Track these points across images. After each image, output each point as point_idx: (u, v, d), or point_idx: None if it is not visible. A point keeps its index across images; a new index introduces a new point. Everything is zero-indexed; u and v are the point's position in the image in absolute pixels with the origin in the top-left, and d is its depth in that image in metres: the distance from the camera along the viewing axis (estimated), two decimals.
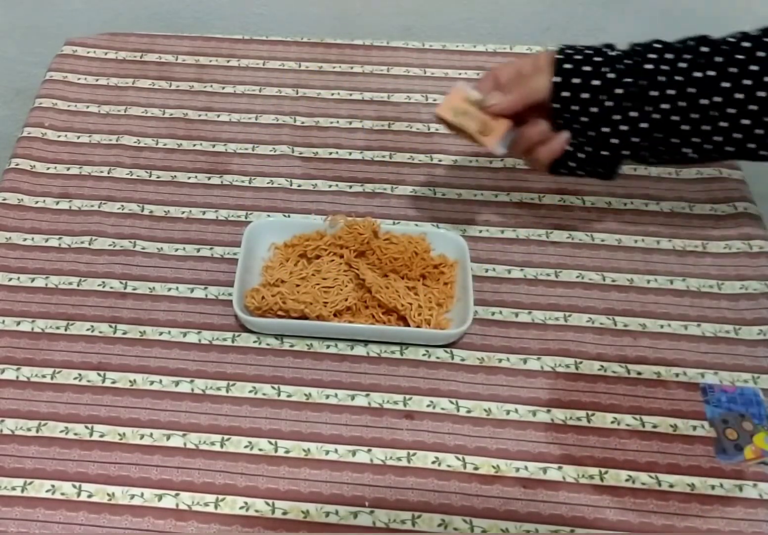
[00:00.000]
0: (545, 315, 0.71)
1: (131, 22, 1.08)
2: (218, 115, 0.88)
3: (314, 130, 0.87)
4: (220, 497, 0.59)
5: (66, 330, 0.69)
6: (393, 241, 0.72)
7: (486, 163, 0.84)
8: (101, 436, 0.62)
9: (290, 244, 0.73)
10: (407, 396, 0.65)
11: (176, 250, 0.75)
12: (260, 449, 0.62)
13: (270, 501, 0.59)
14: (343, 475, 0.61)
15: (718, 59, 0.61)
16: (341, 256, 0.71)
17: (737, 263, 0.75)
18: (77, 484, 0.60)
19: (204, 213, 0.78)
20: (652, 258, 0.76)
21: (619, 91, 0.63)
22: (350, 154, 0.85)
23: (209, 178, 0.82)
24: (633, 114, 0.63)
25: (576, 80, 0.63)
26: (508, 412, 0.64)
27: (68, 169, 0.82)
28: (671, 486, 0.61)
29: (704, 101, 0.61)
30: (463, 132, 0.67)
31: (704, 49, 0.62)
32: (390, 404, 0.65)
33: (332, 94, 0.91)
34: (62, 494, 0.59)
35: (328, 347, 0.68)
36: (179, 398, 0.65)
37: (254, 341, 0.68)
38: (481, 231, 0.78)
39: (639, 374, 0.67)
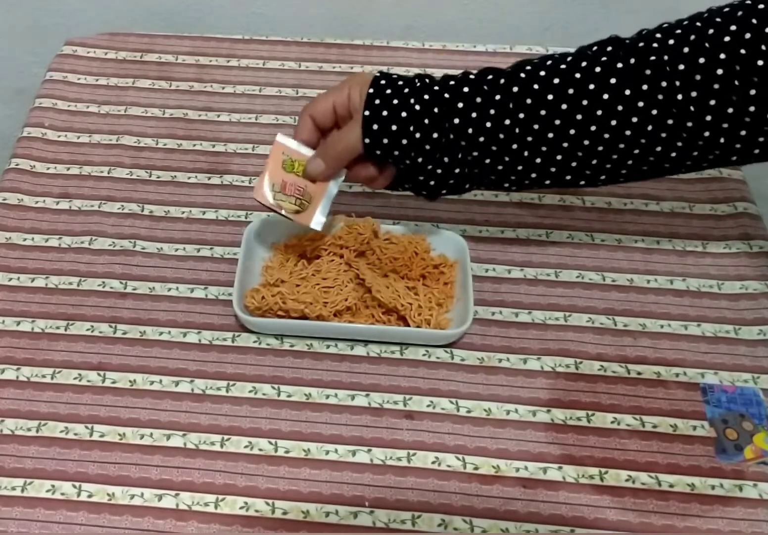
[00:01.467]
0: (545, 315, 0.71)
1: (131, 22, 1.08)
2: (218, 115, 0.88)
3: None
4: (220, 497, 0.59)
5: (66, 330, 0.69)
6: (393, 241, 0.72)
7: None
8: (101, 436, 0.62)
9: (290, 245, 0.73)
10: (407, 396, 0.65)
11: (176, 250, 0.75)
12: (260, 449, 0.62)
13: (270, 501, 0.59)
14: (343, 475, 0.61)
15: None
16: (341, 256, 0.71)
17: (737, 263, 0.75)
18: (77, 484, 0.60)
19: (204, 213, 0.78)
20: (652, 258, 0.76)
21: (426, 136, 0.62)
22: None
23: (209, 178, 0.82)
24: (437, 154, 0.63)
25: (383, 118, 0.62)
26: (508, 412, 0.64)
27: (68, 169, 0.82)
28: (671, 486, 0.61)
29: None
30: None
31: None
32: (390, 404, 0.65)
33: None
34: (62, 494, 0.59)
35: (328, 347, 0.68)
36: (179, 398, 0.65)
37: (254, 341, 0.68)
38: (481, 231, 0.78)
39: (639, 374, 0.67)
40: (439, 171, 0.64)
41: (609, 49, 0.61)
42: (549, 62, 0.62)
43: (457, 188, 0.66)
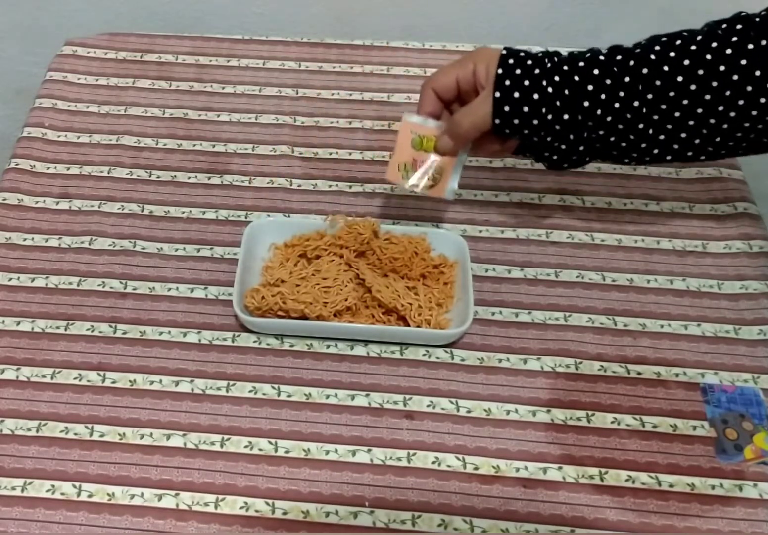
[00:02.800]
0: (545, 315, 0.71)
1: (131, 22, 1.08)
2: (218, 115, 0.88)
3: (314, 130, 0.87)
4: (220, 497, 0.59)
5: (66, 330, 0.69)
6: (393, 241, 0.72)
7: (486, 163, 0.84)
8: (101, 436, 0.62)
9: (290, 244, 0.73)
10: (407, 396, 0.65)
11: (176, 250, 0.75)
12: (260, 449, 0.62)
13: (270, 501, 0.59)
14: (343, 475, 0.61)
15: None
16: (341, 256, 0.71)
17: (737, 263, 0.75)
18: (77, 484, 0.60)
19: (204, 213, 0.78)
20: (652, 258, 0.76)
21: (558, 104, 0.63)
22: (350, 154, 0.85)
23: (209, 178, 0.82)
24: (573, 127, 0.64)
25: (516, 94, 0.62)
26: (508, 412, 0.64)
27: (68, 169, 0.82)
28: (671, 486, 0.61)
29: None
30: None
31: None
32: (390, 404, 0.65)
33: (332, 94, 0.91)
34: (62, 494, 0.59)
35: (328, 347, 0.68)
36: (179, 398, 0.65)
37: (254, 341, 0.68)
38: (481, 231, 0.78)
39: (639, 374, 0.67)
40: (563, 147, 0.65)
41: (739, 27, 0.61)
42: (679, 42, 0.63)
43: (579, 162, 0.67)
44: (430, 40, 0.98)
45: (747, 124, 0.62)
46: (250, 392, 0.65)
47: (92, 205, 0.78)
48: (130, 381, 0.65)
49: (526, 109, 0.62)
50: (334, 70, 0.94)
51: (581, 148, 0.65)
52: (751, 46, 0.60)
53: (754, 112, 0.61)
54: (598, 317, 0.71)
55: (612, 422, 0.64)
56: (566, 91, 0.62)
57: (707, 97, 0.61)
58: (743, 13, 0.63)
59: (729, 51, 0.61)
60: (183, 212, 0.78)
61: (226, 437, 0.62)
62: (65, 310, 0.70)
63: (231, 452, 0.62)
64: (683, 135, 0.64)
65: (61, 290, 0.71)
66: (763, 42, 0.60)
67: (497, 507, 0.59)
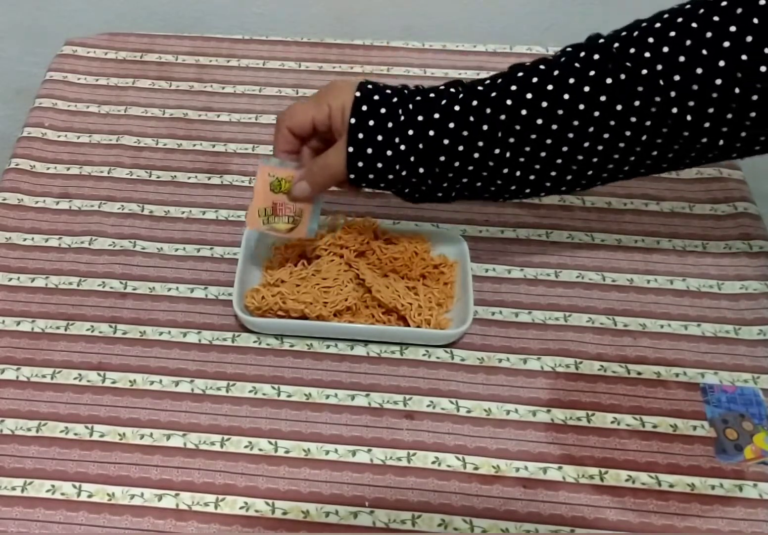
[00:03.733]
0: (545, 315, 0.71)
1: (131, 22, 1.08)
2: (218, 115, 0.88)
3: None
4: (220, 497, 0.59)
5: (66, 330, 0.69)
6: (393, 241, 0.72)
7: None
8: (101, 436, 0.62)
9: (290, 245, 0.73)
10: (407, 396, 0.65)
11: (176, 250, 0.75)
12: (260, 449, 0.62)
13: (270, 501, 0.59)
14: (343, 475, 0.61)
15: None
16: (341, 256, 0.71)
17: (737, 263, 0.75)
18: (77, 484, 0.60)
19: (204, 213, 0.78)
20: (652, 258, 0.76)
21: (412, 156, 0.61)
22: None
23: (209, 178, 0.82)
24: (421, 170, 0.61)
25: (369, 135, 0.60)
26: (508, 412, 0.64)
27: (68, 169, 0.82)
28: (671, 486, 0.61)
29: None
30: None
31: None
32: (390, 404, 0.65)
33: None
34: (62, 494, 0.59)
35: (328, 347, 0.68)
36: (179, 398, 0.65)
37: (254, 341, 0.68)
38: (481, 231, 0.78)
39: (639, 374, 0.67)
40: (423, 188, 0.63)
41: (596, 57, 0.58)
42: (535, 80, 0.60)
43: (444, 199, 0.65)
44: (430, 40, 0.98)
45: (617, 156, 0.60)
46: (250, 392, 0.65)
47: (92, 205, 0.78)
48: (130, 381, 0.65)
49: (380, 165, 0.61)
50: (334, 70, 0.94)
51: (440, 195, 0.63)
52: (609, 80, 0.57)
53: (621, 144, 0.59)
54: (598, 317, 0.71)
55: (612, 422, 0.64)
56: (420, 146, 0.60)
57: (570, 135, 0.58)
58: (596, 37, 0.61)
59: (587, 89, 0.58)
60: (183, 212, 0.78)
61: (226, 437, 0.62)
62: (65, 310, 0.70)
63: (231, 452, 0.62)
64: (553, 173, 0.61)
65: (61, 290, 0.71)
66: (622, 77, 0.57)
67: (497, 507, 0.59)
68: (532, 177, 0.61)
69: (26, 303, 0.70)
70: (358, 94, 0.61)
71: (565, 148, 0.59)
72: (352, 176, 0.62)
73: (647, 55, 0.57)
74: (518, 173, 0.61)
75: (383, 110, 0.60)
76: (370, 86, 0.62)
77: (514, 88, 0.60)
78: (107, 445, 0.62)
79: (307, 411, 0.64)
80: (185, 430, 0.63)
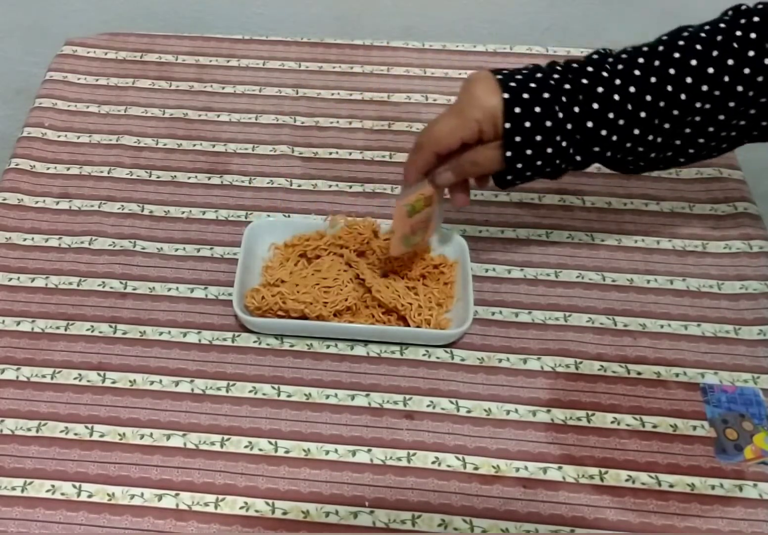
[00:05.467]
0: (545, 315, 0.71)
1: (131, 22, 1.08)
2: (218, 115, 0.88)
3: (314, 130, 0.87)
4: (220, 497, 0.59)
5: (66, 330, 0.69)
6: None
7: None
8: (101, 436, 0.62)
9: (290, 245, 0.73)
10: (407, 396, 0.65)
11: (176, 250, 0.75)
12: (260, 449, 0.62)
13: (270, 501, 0.59)
14: (343, 475, 0.61)
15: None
16: (341, 256, 0.71)
17: (737, 263, 0.75)
18: (77, 484, 0.60)
19: (204, 213, 0.78)
20: (652, 258, 0.76)
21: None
22: (350, 154, 0.85)
23: (209, 178, 0.82)
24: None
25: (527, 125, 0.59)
26: (508, 412, 0.64)
27: (68, 169, 0.82)
28: (671, 486, 0.61)
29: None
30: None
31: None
32: (390, 404, 0.65)
33: (332, 94, 0.91)
34: (62, 494, 0.59)
35: (328, 347, 0.68)
36: (179, 398, 0.65)
37: (254, 341, 0.68)
38: (481, 231, 0.78)
39: (639, 374, 0.67)
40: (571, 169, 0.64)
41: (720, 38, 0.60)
42: (677, 55, 0.60)
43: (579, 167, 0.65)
44: (430, 40, 0.98)
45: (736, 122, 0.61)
46: (250, 392, 0.65)
47: (92, 205, 0.78)
48: (130, 381, 0.65)
49: (539, 162, 0.61)
50: (334, 70, 0.94)
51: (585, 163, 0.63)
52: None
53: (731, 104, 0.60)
54: (598, 317, 0.71)
55: (612, 422, 0.64)
56: (578, 137, 0.60)
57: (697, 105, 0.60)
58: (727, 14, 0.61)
59: (731, 62, 0.59)
60: (183, 212, 0.78)
61: (226, 437, 0.62)
62: (65, 310, 0.70)
63: (231, 452, 0.62)
64: (701, 139, 0.62)
65: (61, 290, 0.71)
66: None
67: (497, 507, 0.59)
68: (679, 146, 0.62)
69: (26, 303, 0.70)
70: (506, 95, 0.58)
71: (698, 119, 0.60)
72: (509, 177, 0.62)
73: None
74: (669, 153, 0.62)
75: (538, 109, 0.58)
76: (513, 84, 0.59)
77: (664, 68, 0.59)
78: (107, 445, 0.62)
79: (307, 411, 0.64)
80: (185, 430, 0.63)
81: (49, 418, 0.63)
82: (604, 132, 0.59)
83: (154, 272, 0.73)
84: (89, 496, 0.59)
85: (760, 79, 0.58)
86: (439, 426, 0.63)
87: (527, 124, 0.58)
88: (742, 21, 0.59)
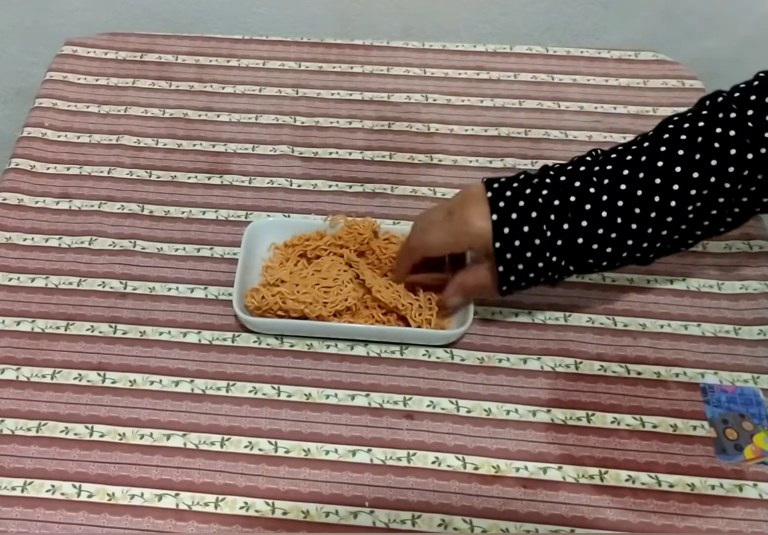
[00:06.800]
0: (545, 315, 0.71)
1: (131, 22, 1.08)
2: (218, 115, 0.88)
3: (314, 130, 0.87)
4: (220, 497, 0.59)
5: (66, 330, 0.69)
6: (393, 241, 0.72)
7: (486, 163, 0.84)
8: (101, 436, 0.62)
9: (290, 244, 0.73)
10: (407, 396, 0.65)
11: (176, 250, 0.75)
12: (260, 449, 0.62)
13: (270, 501, 0.59)
14: (343, 475, 0.61)
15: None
16: (341, 256, 0.71)
17: (737, 263, 0.75)
18: (77, 484, 0.60)
19: (204, 213, 0.78)
20: None
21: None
22: (350, 154, 0.85)
23: (209, 178, 0.82)
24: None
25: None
26: (508, 412, 0.64)
27: (68, 169, 0.82)
28: (671, 486, 0.61)
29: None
30: None
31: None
32: (390, 404, 0.65)
33: (332, 94, 0.91)
34: (62, 494, 0.59)
35: (328, 347, 0.68)
36: (179, 398, 0.65)
37: (254, 341, 0.68)
38: None
39: (639, 374, 0.67)
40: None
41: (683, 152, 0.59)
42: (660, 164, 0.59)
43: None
44: (430, 40, 0.98)
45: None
46: (250, 392, 0.65)
47: (92, 205, 0.78)
48: (130, 381, 0.65)
49: (532, 275, 0.61)
50: (334, 70, 0.94)
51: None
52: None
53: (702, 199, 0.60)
54: (598, 317, 0.71)
55: (612, 422, 0.64)
56: (570, 251, 0.60)
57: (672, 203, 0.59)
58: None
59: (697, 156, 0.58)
60: (183, 212, 0.78)
61: (226, 437, 0.62)
62: (65, 310, 0.70)
63: (231, 452, 0.62)
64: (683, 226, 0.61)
65: (61, 290, 0.71)
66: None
67: (497, 507, 0.59)
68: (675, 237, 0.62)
69: (26, 303, 0.70)
70: (495, 217, 0.60)
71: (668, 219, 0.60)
72: (504, 288, 0.63)
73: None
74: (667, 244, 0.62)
75: (526, 228, 0.60)
76: (503, 204, 0.60)
77: (649, 179, 0.59)
78: (107, 445, 0.62)
79: (307, 411, 0.64)
80: (185, 430, 0.63)
81: (49, 418, 0.63)
82: (595, 246, 0.60)
83: (154, 271, 0.73)
84: (89, 496, 0.59)
85: (745, 173, 0.58)
86: (439, 426, 0.63)
87: (516, 242, 0.60)
88: (720, 115, 0.59)
